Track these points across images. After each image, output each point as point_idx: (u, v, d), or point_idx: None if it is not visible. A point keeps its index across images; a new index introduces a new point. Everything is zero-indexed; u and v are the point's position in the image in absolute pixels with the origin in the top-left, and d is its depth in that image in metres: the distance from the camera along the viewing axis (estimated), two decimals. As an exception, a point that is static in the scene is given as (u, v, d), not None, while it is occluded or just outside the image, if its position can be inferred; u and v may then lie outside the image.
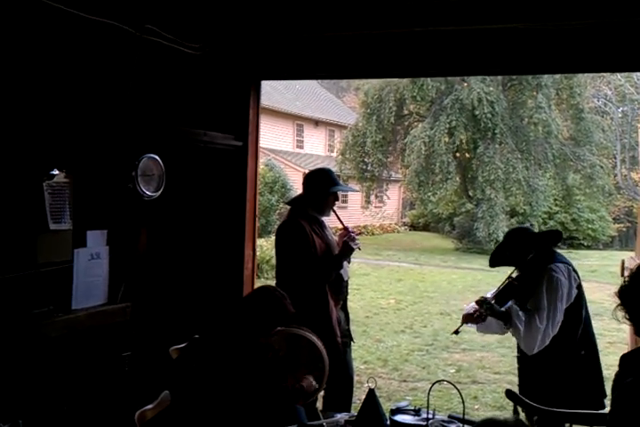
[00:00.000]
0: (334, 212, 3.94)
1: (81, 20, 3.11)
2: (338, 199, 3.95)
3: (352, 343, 4.12)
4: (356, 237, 3.85)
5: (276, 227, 16.41)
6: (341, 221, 3.94)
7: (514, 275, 3.54)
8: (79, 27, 3.15)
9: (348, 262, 3.98)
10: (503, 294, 3.50)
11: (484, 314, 3.43)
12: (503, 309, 3.44)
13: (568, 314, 3.34)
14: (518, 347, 3.56)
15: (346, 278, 3.93)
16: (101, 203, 3.40)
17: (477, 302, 3.44)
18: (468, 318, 3.57)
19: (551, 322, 3.28)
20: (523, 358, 3.51)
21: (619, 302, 2.37)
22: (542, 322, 3.27)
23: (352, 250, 3.81)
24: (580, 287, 3.42)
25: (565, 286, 3.33)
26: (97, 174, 3.37)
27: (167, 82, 3.93)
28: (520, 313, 3.35)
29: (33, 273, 2.96)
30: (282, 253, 3.89)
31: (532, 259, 3.43)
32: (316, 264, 3.71)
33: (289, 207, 4.03)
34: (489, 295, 3.54)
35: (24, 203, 2.97)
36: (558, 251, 3.60)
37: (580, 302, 3.41)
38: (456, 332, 3.62)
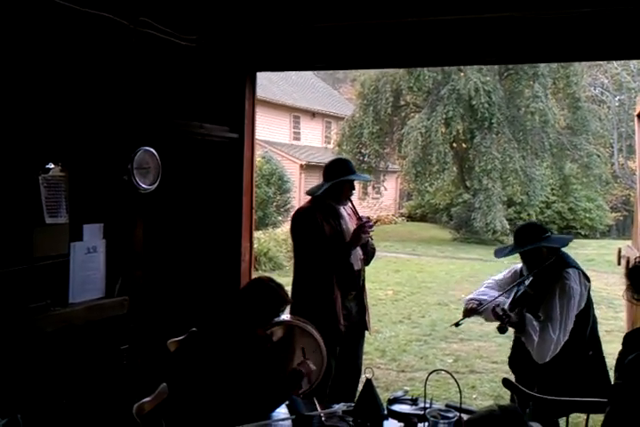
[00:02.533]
0: (350, 201, 3.97)
1: (75, 13, 3.09)
2: (354, 188, 4.00)
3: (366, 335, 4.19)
4: (371, 226, 3.87)
5: (273, 219, 16.50)
6: (356, 211, 4.00)
7: (527, 282, 3.51)
8: (74, 20, 3.13)
9: (368, 252, 4.02)
10: (518, 303, 3.48)
11: (506, 327, 3.41)
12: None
13: (578, 318, 3.34)
14: (516, 340, 3.57)
15: (357, 268, 3.96)
16: (98, 196, 3.39)
17: (495, 315, 3.37)
18: (470, 313, 3.57)
19: (563, 331, 3.28)
20: (523, 354, 3.46)
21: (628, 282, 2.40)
22: (555, 332, 3.26)
23: (360, 239, 3.84)
24: (588, 291, 3.41)
25: (578, 293, 3.32)
26: (93, 168, 3.36)
27: (163, 74, 3.91)
28: (535, 323, 3.32)
29: (29, 267, 2.95)
30: (292, 239, 4.05)
31: (548, 264, 3.40)
32: (322, 249, 3.78)
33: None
34: (503, 302, 3.50)
35: (20, 197, 2.96)
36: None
37: (588, 304, 3.41)
38: (456, 324, 3.63)
